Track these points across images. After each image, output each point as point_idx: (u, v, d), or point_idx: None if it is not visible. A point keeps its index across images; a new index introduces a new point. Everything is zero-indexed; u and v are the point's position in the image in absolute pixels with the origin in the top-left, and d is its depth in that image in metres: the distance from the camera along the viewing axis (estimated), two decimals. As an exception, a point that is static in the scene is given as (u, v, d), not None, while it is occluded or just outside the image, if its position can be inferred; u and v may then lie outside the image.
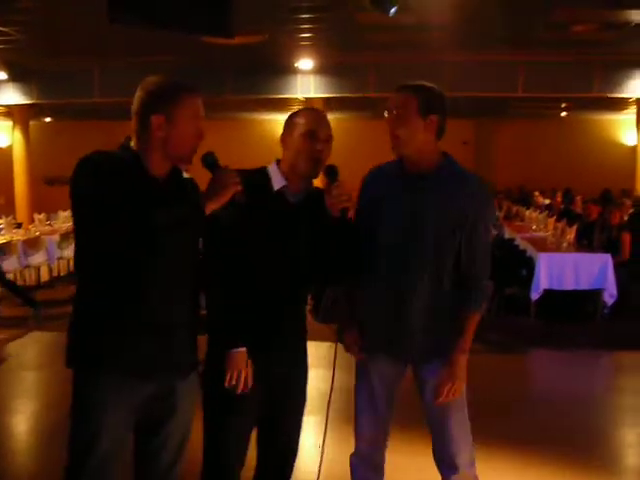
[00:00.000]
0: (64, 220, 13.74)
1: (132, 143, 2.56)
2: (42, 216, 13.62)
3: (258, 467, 3.02)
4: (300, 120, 2.88)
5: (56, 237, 11.79)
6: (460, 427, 3.03)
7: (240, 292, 2.79)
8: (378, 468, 3.17)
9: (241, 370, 2.75)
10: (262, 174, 2.90)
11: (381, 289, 2.98)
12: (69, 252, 11.84)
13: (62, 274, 12.22)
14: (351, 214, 2.84)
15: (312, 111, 3.03)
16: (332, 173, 2.86)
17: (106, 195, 2.35)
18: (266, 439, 2.99)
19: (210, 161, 2.58)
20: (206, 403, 2.88)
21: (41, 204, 16.64)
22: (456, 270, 2.95)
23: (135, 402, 2.54)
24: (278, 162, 2.93)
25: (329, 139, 2.86)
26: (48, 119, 20.81)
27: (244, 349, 2.77)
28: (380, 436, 3.13)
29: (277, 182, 2.87)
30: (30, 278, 11.57)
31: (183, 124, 2.51)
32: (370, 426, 3.11)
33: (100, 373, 2.48)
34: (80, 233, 2.53)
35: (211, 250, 2.79)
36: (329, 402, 3.10)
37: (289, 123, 2.91)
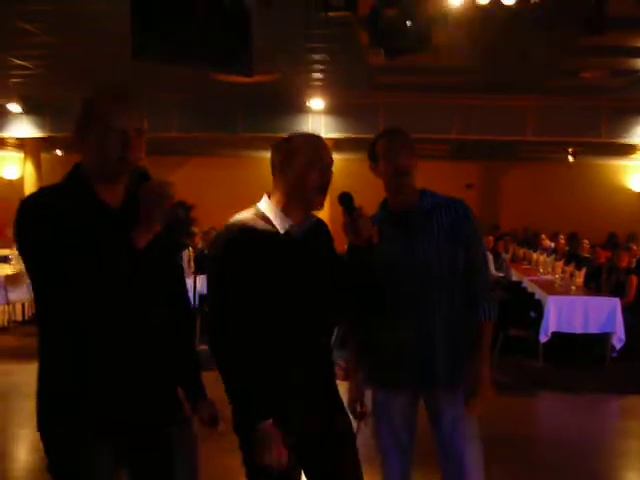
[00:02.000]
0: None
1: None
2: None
3: None
4: (301, 147, 2.64)
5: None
6: (475, 460, 3.05)
7: (259, 348, 2.50)
8: None
9: (272, 447, 2.44)
10: (261, 218, 2.62)
11: (399, 321, 3.02)
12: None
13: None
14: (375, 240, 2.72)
15: (311, 136, 2.77)
16: (348, 200, 2.66)
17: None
18: None
19: (138, 175, 2.27)
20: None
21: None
22: (465, 289, 3.05)
23: (123, 459, 2.36)
24: (269, 197, 2.71)
25: (332, 164, 2.68)
26: (59, 152, 20.93)
27: (270, 422, 2.45)
28: (408, 470, 3.15)
29: (280, 222, 2.63)
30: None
31: (112, 133, 2.30)
32: (399, 462, 3.12)
33: (81, 437, 2.26)
34: (34, 283, 2.30)
35: (222, 306, 2.51)
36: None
37: (287, 150, 2.65)
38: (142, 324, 2.33)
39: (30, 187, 17.52)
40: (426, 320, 3.00)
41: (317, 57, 11.52)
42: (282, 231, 2.61)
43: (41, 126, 15.84)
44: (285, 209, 2.63)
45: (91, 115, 2.29)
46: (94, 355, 2.27)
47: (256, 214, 2.62)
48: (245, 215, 2.63)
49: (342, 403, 2.82)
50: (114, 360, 2.29)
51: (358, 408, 3.10)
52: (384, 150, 3.06)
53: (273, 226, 2.61)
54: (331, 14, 6.43)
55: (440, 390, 3.05)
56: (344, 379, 3.09)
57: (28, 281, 10.36)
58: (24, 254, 2.25)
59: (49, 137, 16.41)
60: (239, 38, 5.83)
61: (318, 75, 12.89)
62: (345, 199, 2.66)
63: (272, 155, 2.70)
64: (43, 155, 18.20)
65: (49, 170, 20.98)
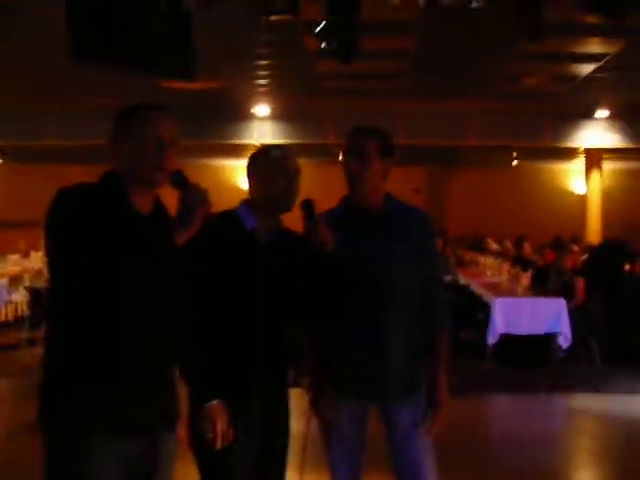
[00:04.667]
0: (14, 263, 13.47)
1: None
2: (-10, 259, 13.35)
3: None
4: (270, 155, 2.90)
5: (4, 281, 11.52)
6: (430, 467, 3.01)
7: (213, 340, 2.72)
8: None
9: (217, 423, 2.65)
10: (232, 215, 2.86)
11: (354, 329, 2.97)
12: (17, 296, 11.59)
13: (9, 319, 11.91)
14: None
15: (280, 146, 3.06)
16: (309, 206, 2.83)
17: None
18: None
19: (180, 179, 2.44)
20: (197, 458, 2.79)
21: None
22: (422, 301, 3.03)
23: (127, 459, 2.35)
24: (246, 202, 2.90)
25: (299, 172, 2.89)
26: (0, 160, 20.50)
27: (218, 401, 2.68)
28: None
29: (248, 222, 2.84)
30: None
31: (145, 142, 2.39)
32: (348, 471, 3.05)
33: (90, 433, 2.27)
34: (57, 274, 2.35)
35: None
36: (304, 448, 3.03)
37: (257, 159, 2.91)
38: (162, 323, 2.40)
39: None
40: (379, 329, 2.95)
41: (262, 63, 11.48)
42: (247, 230, 2.83)
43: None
44: (256, 214, 2.85)
45: (129, 123, 2.41)
46: (111, 348, 2.30)
47: (230, 214, 2.86)
48: (221, 213, 2.80)
49: (288, 411, 2.92)
50: (131, 355, 2.33)
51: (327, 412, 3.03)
52: (343, 148, 3.03)
53: (243, 228, 2.83)
54: (274, 18, 6.39)
55: (393, 400, 3.00)
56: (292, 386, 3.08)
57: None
58: (57, 239, 2.28)
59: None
60: (179, 42, 5.74)
61: (263, 81, 12.84)
62: (307, 205, 2.83)
63: (247, 167, 2.92)
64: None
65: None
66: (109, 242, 2.25)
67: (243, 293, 2.77)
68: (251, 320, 2.78)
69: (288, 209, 2.87)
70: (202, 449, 2.73)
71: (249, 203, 2.89)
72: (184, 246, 2.44)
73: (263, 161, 2.89)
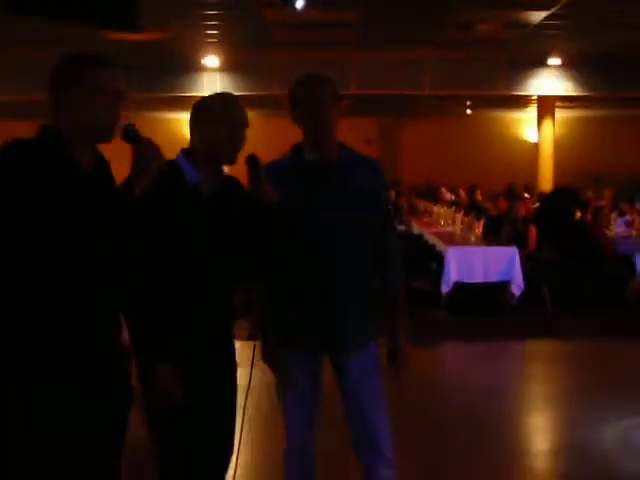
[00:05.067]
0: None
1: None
2: None
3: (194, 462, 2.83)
4: (215, 105, 2.76)
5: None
6: (382, 413, 3.03)
7: (159, 299, 2.62)
8: (312, 462, 3.11)
9: (168, 386, 2.60)
10: (171, 167, 2.67)
11: (306, 280, 2.93)
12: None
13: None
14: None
15: (227, 95, 2.89)
16: (254, 162, 2.72)
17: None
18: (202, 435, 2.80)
19: (131, 133, 2.40)
20: (148, 418, 2.75)
21: None
22: (372, 252, 3.02)
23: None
24: (186, 152, 2.78)
25: (246, 124, 2.78)
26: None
27: (168, 363, 2.60)
28: (311, 430, 3.08)
29: (190, 175, 2.73)
30: None
31: (101, 95, 2.33)
32: (301, 420, 3.05)
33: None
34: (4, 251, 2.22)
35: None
36: (246, 399, 3.00)
37: (201, 108, 2.78)
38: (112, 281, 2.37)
39: None
40: (331, 279, 2.92)
41: (211, 12, 11.23)
42: (189, 183, 2.72)
43: None
44: (197, 164, 2.73)
45: (76, 78, 2.32)
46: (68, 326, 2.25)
47: (170, 165, 2.65)
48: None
49: (235, 363, 2.89)
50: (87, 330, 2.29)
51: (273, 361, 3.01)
52: (305, 96, 2.90)
53: (184, 179, 2.72)
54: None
55: (343, 349, 2.99)
56: (247, 339, 3.07)
57: None
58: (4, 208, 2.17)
59: None
60: (122, -10, 5.55)
61: (212, 31, 12.58)
62: (252, 161, 2.73)
63: (190, 116, 2.82)
64: None
65: None
66: (62, 209, 2.20)
67: (191, 246, 2.69)
68: (196, 275, 2.71)
69: (231, 161, 2.77)
70: (153, 409, 2.70)
71: (189, 154, 2.77)
72: (137, 200, 2.39)
73: (205, 110, 2.76)
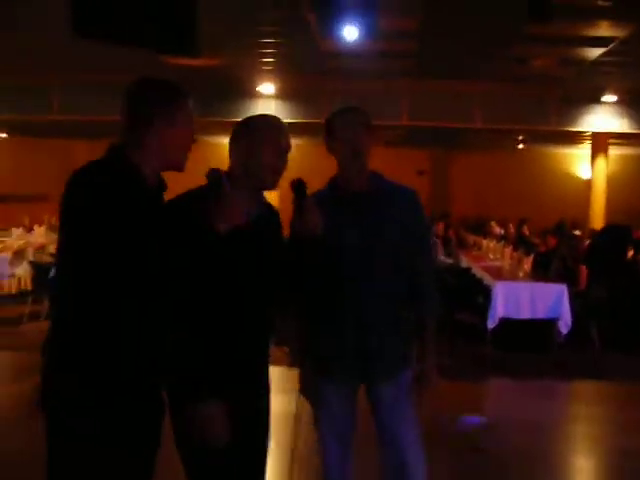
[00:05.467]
0: (18, 237, 13.48)
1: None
2: (-6, 232, 13.36)
3: None
4: (258, 126, 2.66)
5: (8, 255, 11.54)
6: (415, 442, 3.03)
7: (202, 328, 2.43)
8: None
9: (215, 425, 2.41)
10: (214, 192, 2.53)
11: (339, 310, 2.96)
12: (20, 270, 11.61)
13: (13, 292, 11.93)
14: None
15: (270, 117, 2.77)
16: (300, 187, 2.63)
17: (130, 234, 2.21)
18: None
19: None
20: (183, 456, 2.57)
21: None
22: (409, 280, 3.03)
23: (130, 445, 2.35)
24: (226, 174, 2.59)
25: (289, 149, 2.68)
26: (4, 135, 20.49)
27: (214, 400, 2.41)
28: (348, 457, 3.10)
29: None
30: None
31: (185, 127, 2.41)
32: (338, 449, 3.07)
33: (99, 417, 2.23)
34: (84, 261, 2.23)
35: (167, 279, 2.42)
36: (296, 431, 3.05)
37: (242, 128, 2.67)
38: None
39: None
40: (365, 309, 2.95)
41: (267, 41, 11.40)
42: None
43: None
44: (235, 188, 2.53)
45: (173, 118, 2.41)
46: (131, 338, 2.27)
47: (213, 189, 2.54)
48: (196, 192, 2.58)
49: (269, 388, 2.77)
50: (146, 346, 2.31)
51: (311, 395, 3.03)
52: (341, 127, 2.95)
53: None
54: (279, -5, 6.32)
55: (377, 379, 3.01)
56: (290, 365, 3.07)
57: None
58: (90, 230, 2.19)
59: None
60: (185, 18, 5.70)
61: (268, 59, 12.76)
62: (298, 186, 2.64)
63: (231, 135, 2.70)
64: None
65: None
66: (140, 233, 2.24)
67: (231, 274, 2.54)
68: (235, 300, 2.56)
69: (271, 187, 2.64)
70: (189, 447, 2.53)
71: (228, 176, 2.56)
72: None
73: (246, 130, 2.65)
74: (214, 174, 2.45)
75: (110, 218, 2.19)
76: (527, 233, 14.15)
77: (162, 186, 2.45)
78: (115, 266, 2.20)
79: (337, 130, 2.96)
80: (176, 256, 2.40)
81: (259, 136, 2.62)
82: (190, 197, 2.56)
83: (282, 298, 2.86)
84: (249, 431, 2.64)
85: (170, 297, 2.36)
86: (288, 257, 2.71)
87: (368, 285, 2.94)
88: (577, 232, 15.29)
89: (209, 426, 2.40)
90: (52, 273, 8.03)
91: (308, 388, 3.02)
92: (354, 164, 2.97)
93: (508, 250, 11.03)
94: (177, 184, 2.55)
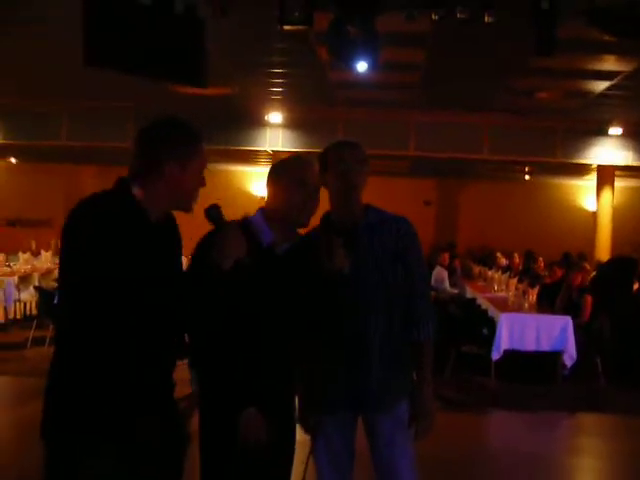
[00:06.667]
0: (24, 262, 13.52)
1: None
2: (1, 257, 13.37)
3: None
4: (293, 168, 2.86)
5: (14, 279, 11.57)
6: (412, 477, 3.01)
7: (239, 350, 2.70)
8: None
9: (256, 430, 2.68)
10: (247, 228, 2.72)
11: (333, 340, 2.97)
12: (26, 295, 11.64)
13: (18, 317, 11.95)
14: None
15: (304, 159, 2.98)
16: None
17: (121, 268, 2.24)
18: None
19: (215, 215, 2.49)
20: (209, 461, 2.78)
21: (1, 245, 16.38)
22: (404, 309, 3.02)
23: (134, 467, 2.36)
24: (262, 211, 2.87)
25: (320, 187, 2.88)
26: (13, 160, 20.62)
27: (255, 408, 2.70)
28: None
29: (266, 235, 2.80)
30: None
31: (196, 172, 2.45)
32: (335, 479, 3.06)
33: (100, 441, 2.26)
34: (83, 288, 2.27)
35: (211, 310, 2.63)
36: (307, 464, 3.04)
37: (279, 171, 2.89)
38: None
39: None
40: (362, 340, 2.95)
41: (275, 71, 11.51)
42: (264, 244, 2.78)
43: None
44: (272, 225, 2.80)
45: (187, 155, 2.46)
46: (134, 362, 2.32)
47: (245, 225, 2.74)
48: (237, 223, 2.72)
49: (294, 414, 2.96)
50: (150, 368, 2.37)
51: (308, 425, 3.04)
52: (335, 161, 2.97)
53: (257, 238, 2.76)
54: (287, 28, 6.40)
55: (374, 410, 3.01)
56: None
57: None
58: (88, 260, 2.23)
59: (2, 144, 16.14)
60: (193, 48, 5.79)
61: (276, 89, 12.88)
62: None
63: (267, 175, 2.92)
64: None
65: (3, 178, 20.71)
66: (138, 262, 2.28)
67: (265, 305, 2.75)
68: (270, 330, 2.76)
69: (304, 224, 2.86)
70: (218, 454, 2.75)
71: (266, 213, 2.86)
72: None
73: (283, 173, 2.86)
74: (211, 211, 2.51)
75: (104, 250, 2.22)
76: (542, 266, 14.03)
77: (170, 222, 2.49)
78: (105, 297, 2.23)
79: (331, 164, 2.98)
80: (197, 292, 2.52)
81: (293, 178, 2.81)
82: (208, 234, 2.69)
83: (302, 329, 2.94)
84: (276, 451, 2.80)
85: (173, 323, 2.43)
86: (313, 292, 2.84)
87: (364, 317, 2.95)
88: (586, 265, 15.23)
89: (256, 428, 2.67)
90: (57, 299, 8.06)
91: (304, 418, 3.03)
92: (348, 198, 2.98)
93: (513, 281, 11.03)
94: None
